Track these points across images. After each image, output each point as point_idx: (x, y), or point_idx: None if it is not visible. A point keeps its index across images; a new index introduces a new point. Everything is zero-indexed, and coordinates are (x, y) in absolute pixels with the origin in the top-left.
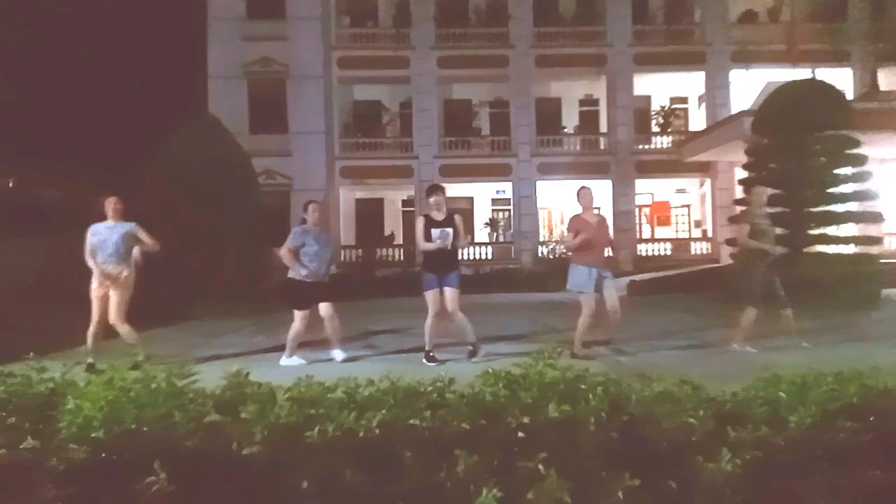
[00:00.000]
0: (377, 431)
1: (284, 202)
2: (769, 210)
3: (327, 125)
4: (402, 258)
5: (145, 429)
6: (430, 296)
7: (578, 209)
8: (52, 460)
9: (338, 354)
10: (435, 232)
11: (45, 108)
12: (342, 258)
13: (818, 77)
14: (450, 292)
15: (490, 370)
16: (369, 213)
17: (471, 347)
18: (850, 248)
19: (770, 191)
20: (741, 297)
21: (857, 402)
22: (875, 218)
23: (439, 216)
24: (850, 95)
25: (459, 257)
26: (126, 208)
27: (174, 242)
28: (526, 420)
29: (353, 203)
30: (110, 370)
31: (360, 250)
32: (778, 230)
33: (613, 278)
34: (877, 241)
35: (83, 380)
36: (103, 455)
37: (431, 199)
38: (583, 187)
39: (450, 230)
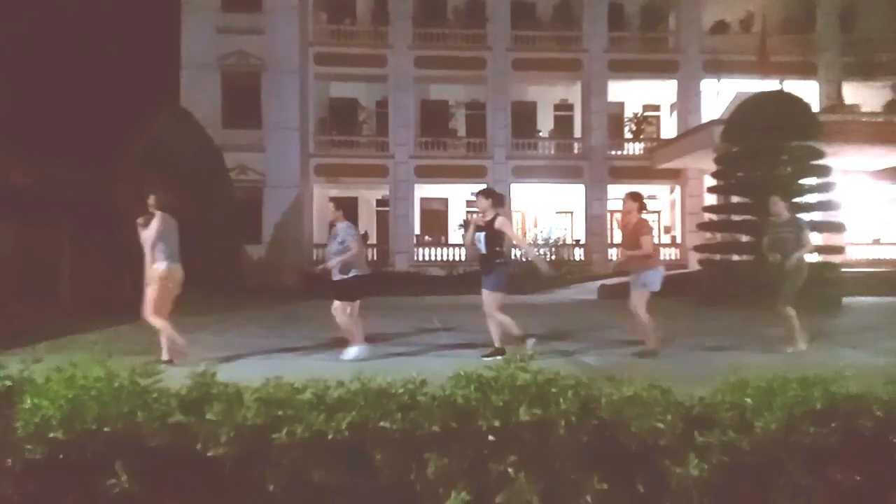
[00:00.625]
0: (346, 433)
1: (257, 198)
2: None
3: (302, 121)
4: (375, 258)
5: (107, 429)
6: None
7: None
8: (7, 461)
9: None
10: (477, 236)
11: (10, 95)
12: (314, 257)
13: (786, 89)
14: (483, 294)
15: (462, 372)
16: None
17: (491, 349)
18: (813, 257)
19: (782, 203)
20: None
21: (822, 408)
22: (837, 228)
23: (480, 221)
24: (815, 108)
25: (497, 261)
26: (96, 200)
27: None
28: (497, 423)
29: (327, 201)
30: (72, 367)
31: None
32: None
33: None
34: (839, 250)
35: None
36: (62, 456)
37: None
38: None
39: (481, 234)
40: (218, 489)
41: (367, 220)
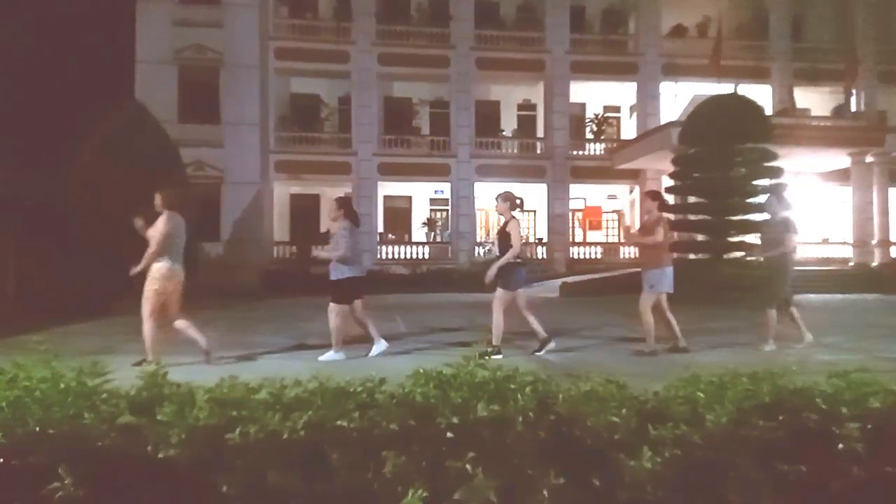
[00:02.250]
0: (303, 433)
1: (215, 195)
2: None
3: (262, 117)
4: None
5: (51, 431)
6: None
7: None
8: None
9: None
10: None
11: None
12: (274, 255)
13: (740, 92)
14: (497, 293)
15: (421, 370)
16: (305, 209)
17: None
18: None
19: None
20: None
21: (770, 402)
22: None
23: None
24: (768, 111)
25: (502, 264)
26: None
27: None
28: (455, 420)
29: (287, 198)
30: (14, 368)
31: (293, 247)
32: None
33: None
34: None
35: None
36: (1, 461)
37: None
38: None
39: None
40: (170, 492)
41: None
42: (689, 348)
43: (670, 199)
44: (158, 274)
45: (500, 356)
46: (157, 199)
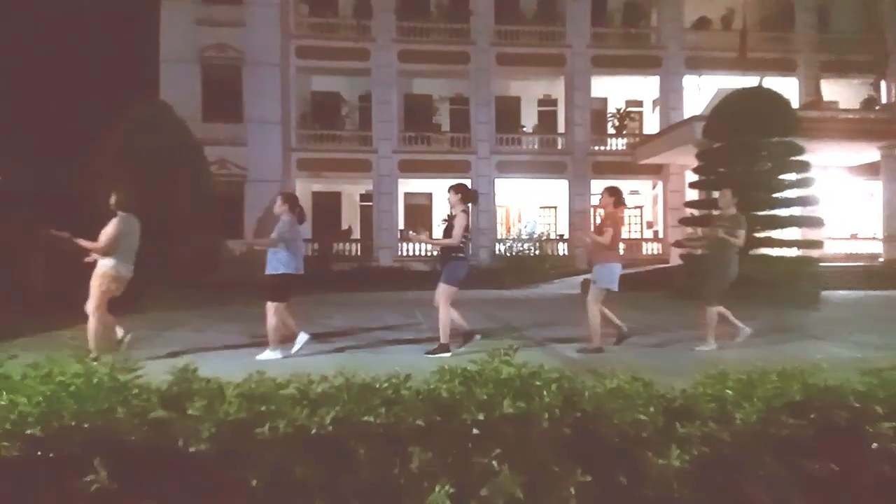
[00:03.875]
0: (330, 428)
1: (238, 192)
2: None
3: (284, 115)
4: (359, 253)
5: (85, 425)
6: None
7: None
8: None
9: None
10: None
11: None
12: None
13: (766, 85)
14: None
15: (446, 366)
16: (326, 206)
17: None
18: (792, 251)
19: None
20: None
21: (800, 399)
22: (816, 223)
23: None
24: (795, 104)
25: (452, 254)
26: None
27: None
28: (481, 416)
29: (309, 196)
30: (49, 363)
31: (316, 244)
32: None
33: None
34: (817, 244)
35: (18, 374)
36: (39, 453)
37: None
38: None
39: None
40: (199, 486)
41: (351, 215)
42: (602, 350)
43: (694, 194)
44: (102, 272)
45: (447, 354)
46: (112, 200)
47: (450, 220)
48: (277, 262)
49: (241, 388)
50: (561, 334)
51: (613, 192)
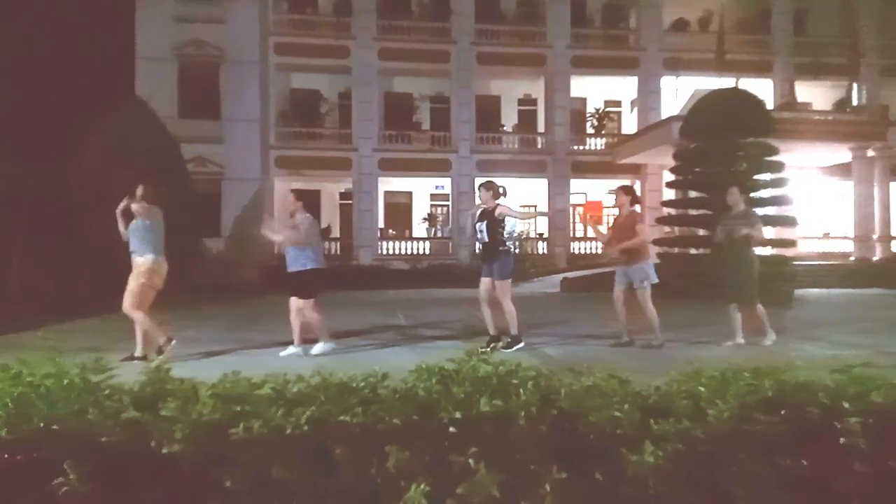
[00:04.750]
0: (306, 428)
1: (216, 191)
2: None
3: (263, 113)
4: (339, 252)
5: (56, 427)
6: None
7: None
8: None
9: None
10: (478, 226)
11: None
12: (275, 251)
13: (742, 87)
14: (483, 283)
15: (424, 365)
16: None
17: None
18: (767, 250)
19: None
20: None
21: (773, 396)
22: (790, 222)
23: (478, 211)
24: (770, 105)
25: (500, 248)
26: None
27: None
28: (458, 415)
29: (288, 193)
30: (19, 364)
31: None
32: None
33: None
34: (791, 243)
35: None
36: (6, 456)
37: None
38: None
39: (483, 224)
40: (173, 487)
41: (331, 214)
42: (634, 342)
43: (671, 194)
44: (143, 267)
45: (521, 345)
46: (139, 192)
47: (489, 214)
48: (305, 259)
49: (215, 388)
50: (540, 332)
51: (629, 192)
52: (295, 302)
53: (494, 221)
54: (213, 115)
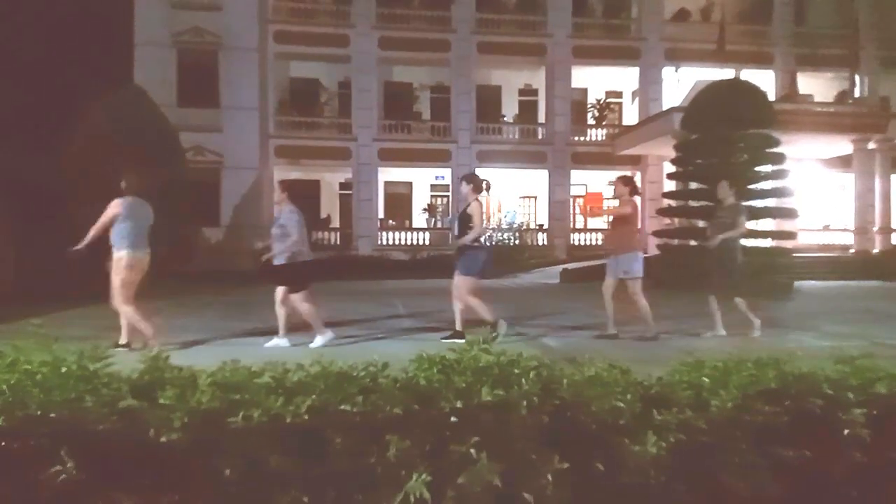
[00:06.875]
0: (306, 417)
1: (215, 180)
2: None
3: (262, 101)
4: (338, 241)
5: (52, 415)
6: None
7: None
8: None
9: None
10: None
11: None
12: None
13: (743, 78)
14: (454, 278)
15: (424, 355)
16: (305, 194)
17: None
18: (767, 242)
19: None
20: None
21: (775, 387)
22: (790, 214)
23: (461, 206)
24: (771, 97)
25: (466, 244)
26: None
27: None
28: (459, 404)
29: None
30: (14, 351)
31: None
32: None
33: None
34: (791, 235)
35: None
36: (3, 444)
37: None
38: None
39: (455, 219)
40: (171, 476)
41: (330, 204)
42: (619, 335)
43: (671, 185)
44: (116, 263)
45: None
46: (122, 184)
47: (462, 210)
48: (291, 251)
49: (214, 376)
50: (541, 323)
51: (628, 182)
52: (280, 292)
53: (465, 217)
54: (212, 103)
